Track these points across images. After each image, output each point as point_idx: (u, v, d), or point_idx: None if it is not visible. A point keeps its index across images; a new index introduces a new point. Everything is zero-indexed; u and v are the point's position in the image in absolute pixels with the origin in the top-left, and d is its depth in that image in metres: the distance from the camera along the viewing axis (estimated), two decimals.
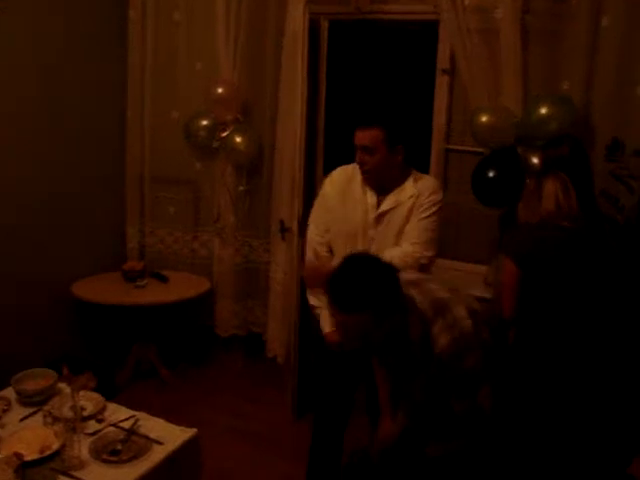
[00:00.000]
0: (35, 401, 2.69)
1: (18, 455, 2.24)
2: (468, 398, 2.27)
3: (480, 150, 3.81)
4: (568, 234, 2.72)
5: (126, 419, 2.61)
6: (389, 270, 2.18)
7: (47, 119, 4.22)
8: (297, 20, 3.80)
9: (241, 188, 4.58)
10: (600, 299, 2.71)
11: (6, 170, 3.98)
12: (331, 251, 3.03)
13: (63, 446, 2.32)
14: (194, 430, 2.57)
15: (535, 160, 3.49)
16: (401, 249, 2.84)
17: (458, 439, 2.34)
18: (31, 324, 4.17)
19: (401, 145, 2.83)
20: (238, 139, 4.40)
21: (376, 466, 2.58)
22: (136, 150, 4.82)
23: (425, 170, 3.88)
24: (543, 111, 3.46)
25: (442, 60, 4.06)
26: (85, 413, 2.60)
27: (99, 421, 2.61)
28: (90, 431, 2.52)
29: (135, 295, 4.44)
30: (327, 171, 4.27)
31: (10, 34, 3.91)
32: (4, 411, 2.62)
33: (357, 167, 2.92)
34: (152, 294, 4.47)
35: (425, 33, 4.22)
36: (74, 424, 2.33)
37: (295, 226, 4.00)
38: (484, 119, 3.62)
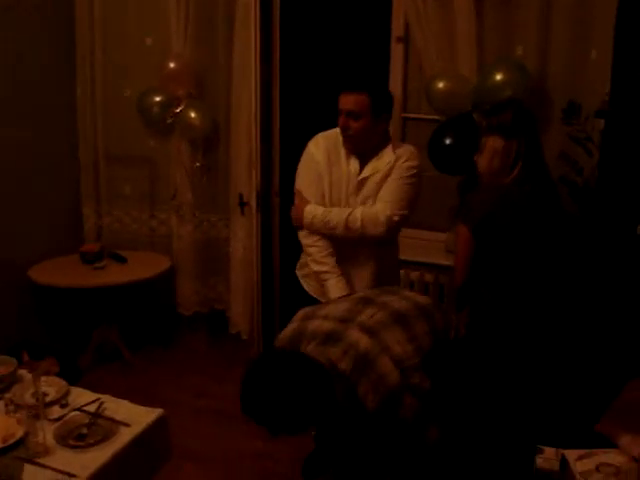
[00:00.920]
0: None
1: None
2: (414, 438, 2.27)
3: (437, 118, 3.81)
4: (519, 197, 2.75)
5: (91, 402, 2.56)
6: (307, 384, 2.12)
7: None
8: None
9: (197, 164, 4.51)
10: (551, 263, 2.75)
11: None
12: None
13: (27, 433, 2.27)
14: (160, 410, 2.54)
15: None
16: (372, 207, 2.89)
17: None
18: None
19: (385, 113, 2.88)
20: (192, 114, 4.32)
21: None
22: (88, 129, 4.70)
23: None
24: (498, 77, 3.47)
25: (397, 28, 4.04)
26: (48, 399, 2.55)
27: (63, 406, 2.56)
28: (54, 417, 2.47)
29: (94, 277, 4.36)
30: (284, 143, 4.29)
31: None
32: None
33: (339, 133, 2.92)
34: (111, 275, 4.39)
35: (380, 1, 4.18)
36: (37, 410, 2.29)
37: (254, 200, 3.97)
38: (440, 85, 3.62)
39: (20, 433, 2.30)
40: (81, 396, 2.63)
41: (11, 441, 2.27)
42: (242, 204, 4.17)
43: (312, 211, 2.98)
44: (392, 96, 2.98)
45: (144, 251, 4.80)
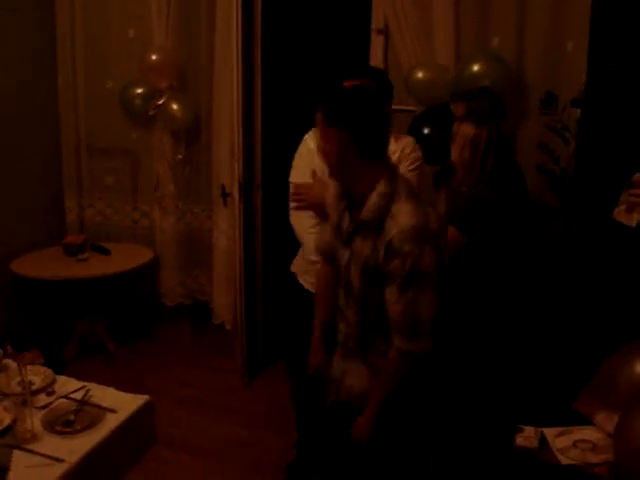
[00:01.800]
0: None
1: None
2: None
3: (413, 108, 3.85)
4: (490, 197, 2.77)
5: (77, 390, 2.58)
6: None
7: None
8: None
9: (179, 156, 4.53)
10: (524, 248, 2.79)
11: None
12: None
13: (15, 421, 2.29)
14: (146, 397, 2.55)
15: None
16: None
17: None
18: None
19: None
20: (174, 106, 4.34)
21: None
22: (70, 121, 4.71)
23: None
24: (476, 68, 3.50)
25: (376, 20, 4.06)
26: (34, 387, 2.55)
27: (49, 394, 2.57)
28: (41, 404, 2.48)
29: (77, 269, 4.37)
30: (266, 134, 4.30)
31: None
32: None
33: None
34: (94, 267, 4.40)
35: None
36: (24, 397, 2.30)
37: (236, 191, 3.99)
38: (420, 75, 3.66)
39: (8, 420, 2.31)
40: (67, 384, 2.64)
41: None
42: (224, 195, 4.18)
43: None
44: (392, 85, 2.94)
45: (127, 243, 4.81)
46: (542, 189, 3.45)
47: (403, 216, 2.09)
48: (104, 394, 2.57)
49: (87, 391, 2.57)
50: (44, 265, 4.40)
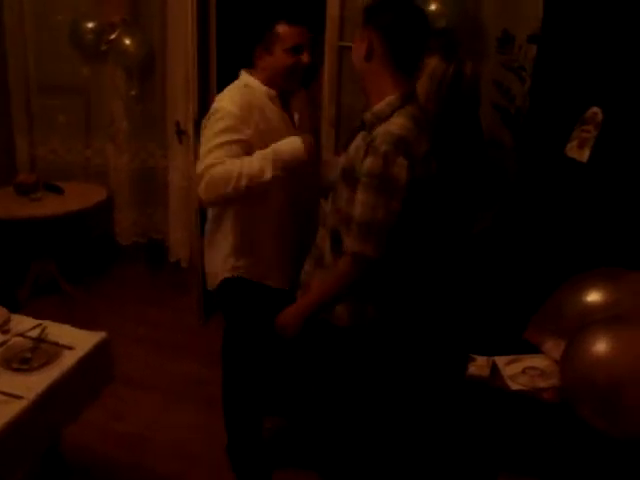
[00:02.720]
0: None
1: None
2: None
3: None
4: None
5: (33, 328, 2.58)
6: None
7: None
8: None
9: (133, 92, 4.43)
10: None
11: None
12: None
13: None
14: (103, 333, 2.57)
15: None
16: None
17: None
18: None
19: None
20: (127, 41, 4.23)
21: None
22: (19, 58, 4.58)
23: None
24: (432, 7, 3.48)
25: None
26: None
27: (5, 332, 2.56)
28: None
29: (30, 209, 4.29)
30: (221, 70, 4.23)
31: None
32: None
33: None
34: (48, 207, 4.32)
35: None
36: None
37: (191, 128, 3.94)
38: None
39: None
40: (22, 322, 2.64)
41: None
42: (179, 132, 4.13)
43: None
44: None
45: (80, 182, 4.72)
46: (497, 127, 3.48)
47: (395, 125, 2.12)
48: (60, 332, 2.57)
49: (43, 329, 2.57)
50: None
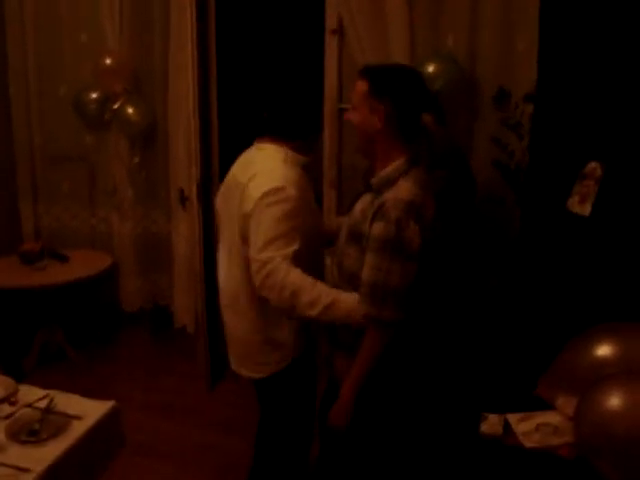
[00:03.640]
0: None
1: None
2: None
3: None
4: None
5: (40, 399, 2.55)
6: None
7: None
8: None
9: (136, 160, 4.50)
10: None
11: None
12: None
13: None
14: (112, 402, 2.55)
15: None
16: None
17: None
18: None
19: None
20: (130, 110, 4.32)
21: None
22: (24, 128, 4.66)
23: None
24: (430, 69, 3.55)
25: (330, 20, 4.09)
26: None
27: (12, 404, 2.54)
28: (4, 414, 2.46)
29: (35, 277, 4.30)
30: (223, 137, 4.30)
31: None
32: None
33: None
34: (52, 275, 4.33)
35: None
36: None
37: (194, 194, 3.99)
38: None
39: None
40: (30, 393, 2.61)
41: None
42: (183, 199, 4.18)
43: None
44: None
45: (85, 249, 4.76)
46: (498, 184, 3.51)
47: (404, 190, 2.18)
48: (69, 401, 2.55)
49: (51, 399, 2.55)
50: (0, 275, 4.33)
